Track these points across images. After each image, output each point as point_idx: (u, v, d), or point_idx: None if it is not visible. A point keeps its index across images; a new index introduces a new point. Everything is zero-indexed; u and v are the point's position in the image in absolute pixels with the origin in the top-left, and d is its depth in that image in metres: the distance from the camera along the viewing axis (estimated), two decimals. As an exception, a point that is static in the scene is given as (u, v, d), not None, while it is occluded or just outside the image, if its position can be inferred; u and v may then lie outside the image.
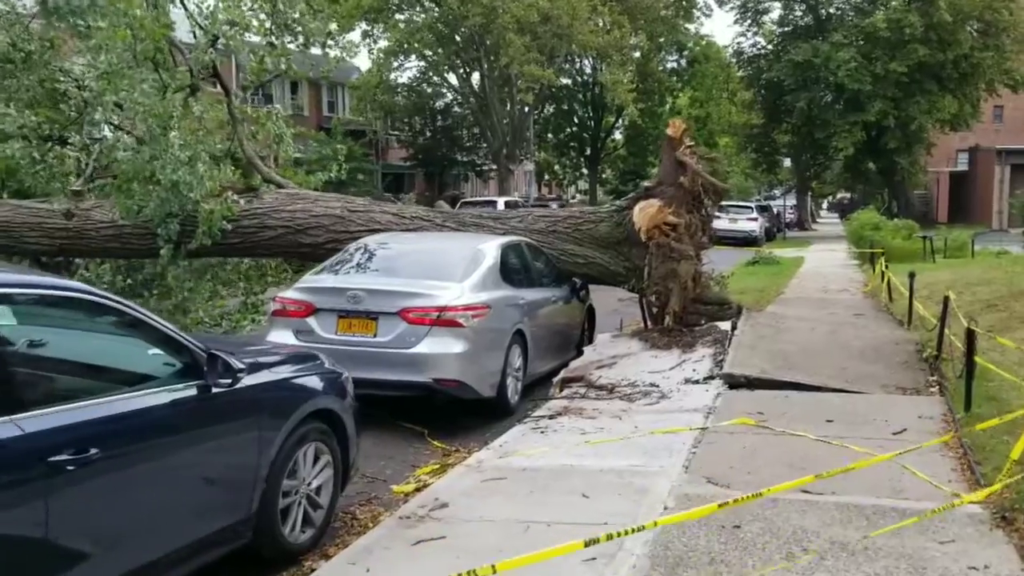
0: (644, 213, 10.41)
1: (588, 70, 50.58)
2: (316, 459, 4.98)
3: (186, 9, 12.22)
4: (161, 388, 4.04)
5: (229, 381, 4.14)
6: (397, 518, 5.26)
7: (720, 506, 3.59)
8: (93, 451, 3.45)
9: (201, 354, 4.16)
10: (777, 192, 73.18)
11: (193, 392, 4.11)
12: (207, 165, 10.44)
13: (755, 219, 37.44)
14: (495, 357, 7.85)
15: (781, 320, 11.47)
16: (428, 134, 50.44)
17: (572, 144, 56.04)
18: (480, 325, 7.65)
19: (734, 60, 51.01)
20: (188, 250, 10.92)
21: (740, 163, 59.85)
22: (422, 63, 44.89)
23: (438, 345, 7.38)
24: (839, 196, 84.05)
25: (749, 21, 48.01)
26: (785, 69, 42.76)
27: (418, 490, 5.95)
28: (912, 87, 40.74)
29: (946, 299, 8.90)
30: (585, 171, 57.94)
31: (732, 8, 47.90)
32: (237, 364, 4.19)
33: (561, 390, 8.69)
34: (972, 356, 7.03)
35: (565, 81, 49.80)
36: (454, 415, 7.87)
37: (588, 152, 54.77)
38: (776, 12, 47.38)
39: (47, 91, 13.76)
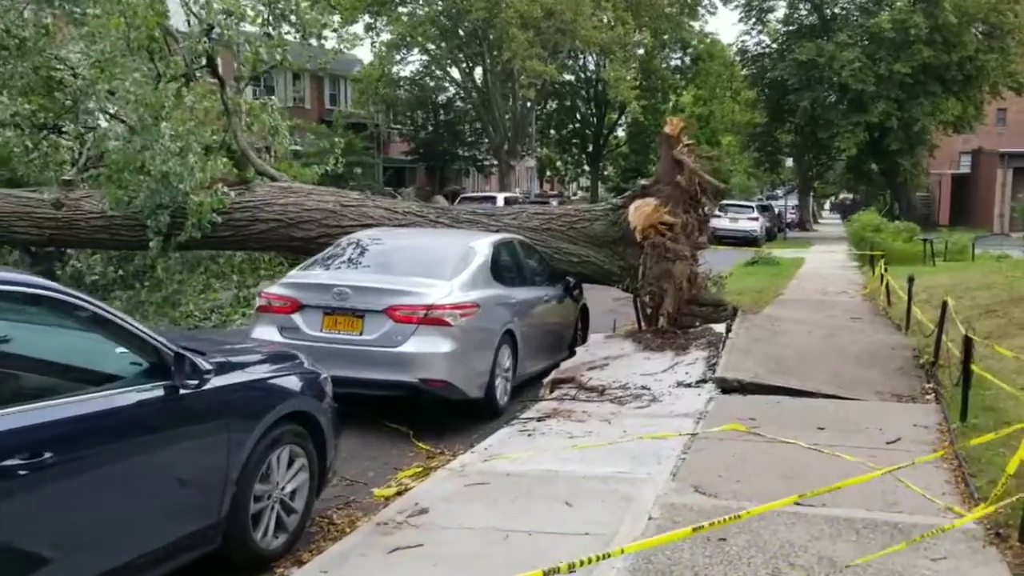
0: (640, 212, 10.27)
1: (591, 66, 50.40)
2: (291, 462, 4.83)
3: (181, -3, 12.10)
4: (126, 388, 3.90)
5: (196, 382, 4.00)
6: (375, 524, 5.13)
7: (694, 530, 3.46)
8: (48, 455, 3.31)
9: (169, 354, 4.01)
10: (779, 192, 73.01)
11: (159, 393, 3.97)
12: (198, 156, 10.30)
13: (756, 219, 37.26)
14: (483, 357, 7.71)
15: (777, 323, 11.32)
16: (430, 128, 50.24)
17: (574, 140, 55.84)
18: (468, 324, 7.50)
19: (738, 58, 50.78)
20: (178, 242, 10.78)
21: (743, 162, 59.70)
22: (425, 57, 44.71)
23: (425, 344, 7.23)
24: (841, 197, 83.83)
25: (754, 19, 47.79)
26: (789, 68, 42.55)
27: (399, 494, 5.81)
28: (916, 88, 40.52)
29: (944, 304, 8.76)
30: (587, 168, 57.76)
31: (737, 6, 47.69)
32: (204, 365, 4.05)
33: (551, 391, 8.55)
34: (969, 364, 6.89)
35: (568, 77, 49.59)
36: (441, 416, 7.73)
37: (590, 149, 54.56)
38: (781, 11, 47.20)
39: (42, 79, 13.61)
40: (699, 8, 50.21)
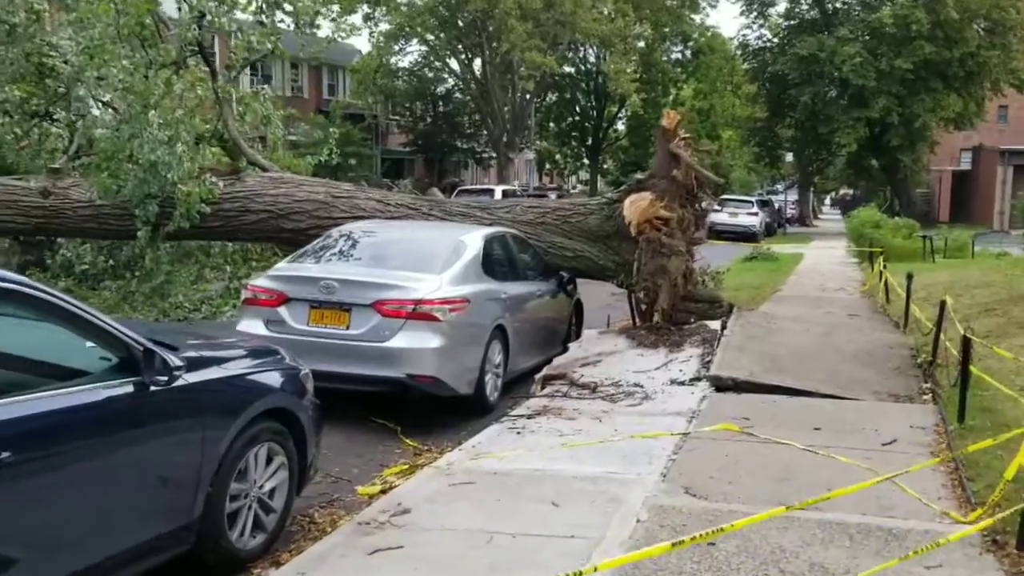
0: (635, 206, 10.12)
1: (591, 59, 50.14)
2: (269, 460, 4.69)
3: (172, -17, 11.93)
4: (92, 385, 3.75)
5: (165, 378, 3.85)
6: (356, 524, 4.99)
7: (673, 545, 3.31)
8: (5, 454, 3.17)
9: (138, 349, 3.87)
10: (779, 187, 72.78)
11: (128, 389, 3.83)
12: (187, 146, 10.16)
13: (755, 214, 37.06)
14: (473, 353, 7.57)
15: (773, 320, 11.18)
16: (428, 120, 50.03)
17: (574, 134, 55.57)
18: (458, 319, 7.36)
19: (739, 52, 50.54)
20: (166, 232, 10.64)
21: (743, 157, 59.47)
22: (423, 47, 44.47)
23: (413, 339, 7.09)
24: (841, 192, 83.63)
25: (755, 13, 47.53)
26: (790, 63, 42.33)
27: (384, 492, 5.68)
28: (917, 84, 40.33)
29: (943, 304, 8.63)
30: (586, 161, 57.50)
31: (738, 0, 47.46)
32: (175, 361, 3.91)
33: (543, 388, 8.41)
34: (967, 365, 6.76)
35: (568, 69, 49.33)
36: (430, 412, 7.60)
37: (590, 142, 54.30)
38: (782, 5, 46.95)
39: (33, 65, 13.46)
40: (700, 1, 49.94)
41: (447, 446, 6.77)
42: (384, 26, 41.43)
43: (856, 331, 11.12)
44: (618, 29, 41.30)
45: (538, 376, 8.68)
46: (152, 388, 3.88)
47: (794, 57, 41.89)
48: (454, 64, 45.61)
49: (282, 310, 7.31)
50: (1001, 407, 6.97)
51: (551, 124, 55.13)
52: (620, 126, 56.63)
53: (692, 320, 10.19)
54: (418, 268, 7.61)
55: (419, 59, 45.94)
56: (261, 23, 12.36)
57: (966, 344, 6.76)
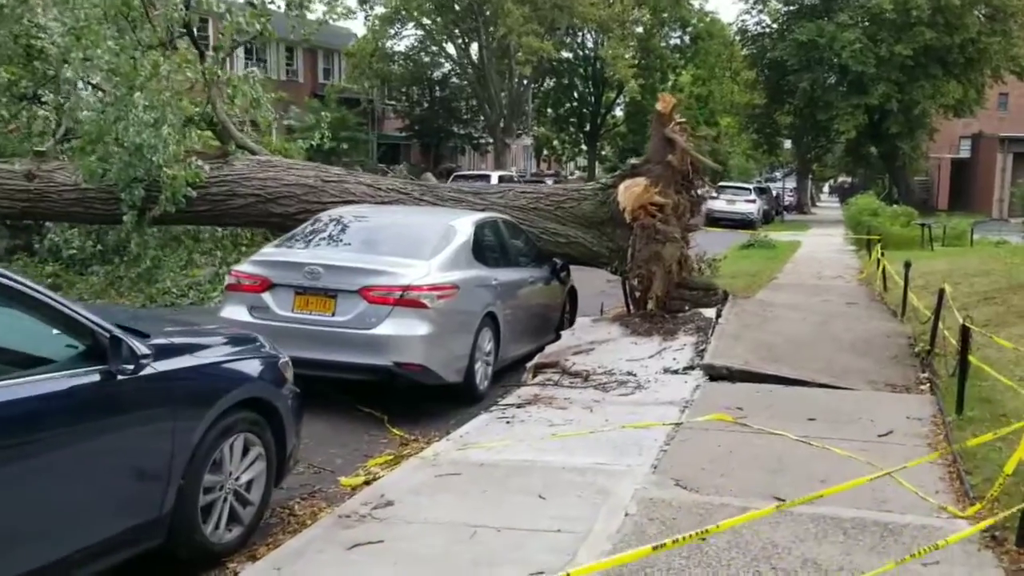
0: (629, 192, 9.94)
1: (589, 44, 49.78)
2: (246, 452, 4.54)
3: (158, -38, 11.70)
4: (56, 373, 3.60)
5: (132, 367, 3.70)
6: (336, 516, 4.86)
7: (655, 548, 3.17)
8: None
9: (104, 336, 3.71)
10: (778, 174, 72.50)
11: (94, 378, 3.68)
12: (173, 128, 9.96)
13: (753, 201, 36.89)
14: (462, 341, 7.41)
15: (769, 308, 11.03)
16: (425, 105, 49.69)
17: (572, 119, 55.23)
18: (447, 306, 7.20)
19: (738, 38, 50.15)
20: (152, 217, 10.46)
21: (741, 144, 59.19)
22: (419, 31, 44.11)
23: (400, 327, 6.93)
24: (840, 180, 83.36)
25: (754, -1, 47.17)
26: (789, 49, 42.01)
27: (367, 483, 5.54)
28: (916, 71, 40.04)
29: (941, 292, 8.47)
30: (584, 147, 57.20)
31: (738, -15, 47.09)
32: (141, 348, 3.74)
33: (534, 376, 8.27)
34: (966, 355, 6.61)
35: (566, 55, 49.00)
36: (418, 401, 7.45)
37: (588, 128, 53.99)
38: (782, -10, 46.55)
39: (21, 47, 13.23)
40: (699, -14, 49.62)
41: (434, 436, 6.62)
42: (380, 9, 41.12)
43: (853, 320, 10.97)
44: (616, 14, 41.01)
45: (529, 364, 8.53)
46: (119, 377, 3.72)
47: (793, 43, 41.57)
48: (451, 48, 45.31)
49: (266, 296, 7.14)
50: (1000, 398, 6.84)
51: (549, 110, 54.77)
52: (618, 112, 56.30)
53: (687, 308, 10.04)
54: (406, 254, 7.45)
55: (415, 43, 45.61)
56: (251, 3, 12.14)
57: (965, 333, 6.61)
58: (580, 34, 48.42)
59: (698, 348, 8.62)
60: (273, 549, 4.55)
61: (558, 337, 9.55)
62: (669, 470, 5.53)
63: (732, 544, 4.36)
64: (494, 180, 27.93)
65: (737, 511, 4.84)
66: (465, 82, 46.68)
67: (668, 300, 9.92)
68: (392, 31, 42.57)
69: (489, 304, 7.91)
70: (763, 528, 4.56)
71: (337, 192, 10.33)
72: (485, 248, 8.40)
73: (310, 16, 14.11)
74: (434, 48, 45.66)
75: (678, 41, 53.36)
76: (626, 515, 4.78)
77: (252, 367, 4.68)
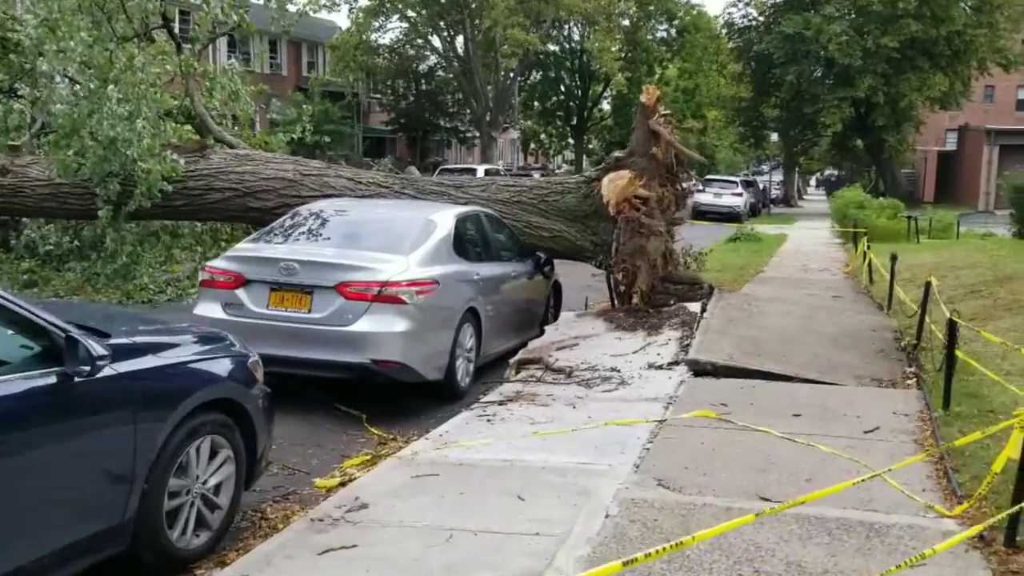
0: (613, 185, 9.82)
1: (576, 37, 49.58)
2: (214, 454, 4.40)
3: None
4: (10, 376, 3.44)
5: (88, 368, 3.54)
6: (308, 520, 4.71)
7: (625, 564, 3.05)
8: None
9: (60, 336, 3.56)
10: (765, 167, 72.56)
11: (51, 380, 3.52)
12: (148, 121, 9.76)
13: (740, 194, 36.91)
14: (443, 337, 7.27)
15: (755, 302, 10.92)
16: (410, 98, 49.40)
17: (558, 113, 55.06)
18: (426, 302, 7.06)
19: (724, 31, 50.14)
20: (128, 212, 10.25)
21: (728, 137, 59.21)
22: (404, 24, 43.82)
23: (378, 323, 6.79)
24: (827, 173, 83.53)
25: (741, -9, 47.12)
26: (775, 42, 41.99)
27: (343, 485, 5.39)
28: (903, 63, 40.07)
29: (927, 285, 8.39)
30: (571, 141, 57.06)
31: (724, -23, 47.01)
32: (98, 349, 3.59)
33: (517, 372, 8.12)
34: (953, 350, 6.51)
35: (552, 48, 48.80)
36: (398, 398, 7.31)
37: (575, 121, 53.85)
38: (768, -17, 46.50)
39: (-4, 40, 13.01)
40: (686, -21, 49.48)
41: (414, 435, 6.48)
42: (364, 1, 40.79)
43: (839, 313, 10.89)
44: (602, 6, 40.83)
45: (512, 361, 8.39)
46: (76, 379, 3.57)
47: (779, 36, 41.56)
48: (436, 41, 45.01)
49: (240, 293, 6.98)
50: (987, 392, 6.76)
51: (535, 103, 54.60)
52: (605, 105, 56.23)
53: (672, 302, 9.92)
54: (385, 248, 7.30)
55: (400, 36, 45.33)
56: (229, -8, 11.93)
57: (952, 328, 6.51)
58: (566, 27, 48.23)
59: (683, 343, 8.51)
60: (243, 554, 4.40)
61: (542, 332, 9.42)
62: (652, 469, 5.41)
63: (714, 546, 4.24)
64: (480, 173, 27.75)
65: (720, 511, 4.75)
66: (451, 75, 46.42)
67: (653, 294, 9.81)
68: (377, 24, 42.27)
69: (470, 299, 7.77)
70: (746, 529, 4.42)
71: (316, 186, 10.16)
72: (466, 242, 8.27)
73: (291, 8, 13.90)
74: (419, 41, 45.36)
75: (664, 34, 53.22)
76: (607, 517, 4.65)
77: (220, 367, 4.53)
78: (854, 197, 29.77)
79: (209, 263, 7.59)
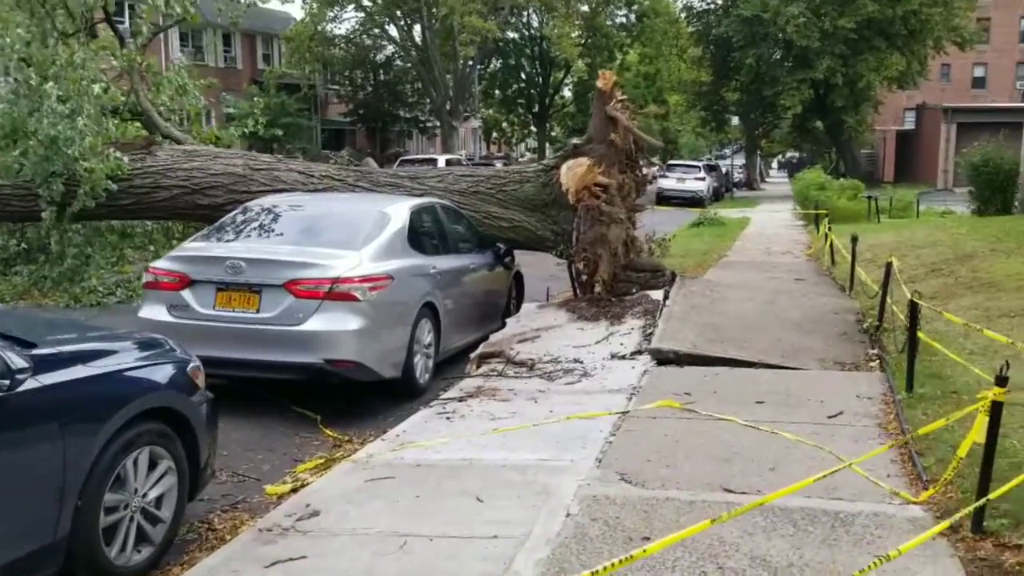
0: (572, 173, 9.67)
1: (535, 23, 49.32)
2: (153, 466, 4.18)
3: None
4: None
5: (7, 383, 3.32)
6: (257, 530, 4.52)
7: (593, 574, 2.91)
8: None
9: (-23, 350, 3.33)
10: (727, 151, 72.89)
11: (-33, 396, 3.30)
12: (90, 119, 9.42)
13: (702, 179, 36.99)
14: (399, 334, 7.07)
15: (717, 288, 10.84)
16: (369, 89, 48.85)
17: (519, 101, 54.77)
18: (380, 298, 6.85)
19: (683, 15, 50.18)
20: (73, 213, 9.91)
21: (690, 121, 59.31)
22: (360, 14, 43.29)
23: (330, 322, 6.57)
24: (788, 155, 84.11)
25: (698, -25, 47.16)
26: (734, 25, 42.10)
27: (295, 491, 5.20)
28: (860, 44, 40.35)
29: (888, 266, 8.34)
30: (534, 129, 56.83)
31: (681, -38, 47.00)
32: (17, 362, 3.36)
33: (478, 367, 7.97)
34: (915, 331, 6.45)
35: (511, 35, 48.50)
36: (355, 397, 7.11)
37: (536, 109, 53.62)
38: (725, -35, 46.56)
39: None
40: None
41: (370, 436, 6.29)
42: (317, -9, 40.19)
43: (801, 297, 10.85)
44: (560, -8, 40.61)
45: (473, 355, 8.23)
46: (-1, 394, 3.35)
47: (738, 19, 41.66)
48: (393, 31, 44.53)
49: (186, 294, 6.73)
50: (950, 373, 6.71)
51: (496, 91, 54.28)
52: (567, 92, 56.05)
53: (634, 290, 9.81)
54: (336, 244, 7.08)
55: (356, 26, 44.77)
56: (173, -16, 11.56)
57: (913, 309, 6.45)
58: (524, 13, 47.93)
59: (646, 332, 8.40)
60: (188, 568, 4.21)
61: (503, 325, 9.25)
62: (614, 463, 5.28)
63: (678, 542, 4.10)
64: (441, 164, 27.45)
65: (683, 505, 4.63)
66: (409, 64, 45.98)
67: (615, 283, 9.69)
68: (331, 14, 41.68)
69: (427, 294, 7.58)
70: (710, 523, 4.31)
71: (267, 180, 9.90)
72: (422, 235, 8.07)
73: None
74: (376, 30, 44.85)
75: (624, 19, 53.10)
76: (567, 516, 4.51)
77: (157, 374, 4.31)
78: (815, 179, 29.95)
79: (152, 264, 7.32)
